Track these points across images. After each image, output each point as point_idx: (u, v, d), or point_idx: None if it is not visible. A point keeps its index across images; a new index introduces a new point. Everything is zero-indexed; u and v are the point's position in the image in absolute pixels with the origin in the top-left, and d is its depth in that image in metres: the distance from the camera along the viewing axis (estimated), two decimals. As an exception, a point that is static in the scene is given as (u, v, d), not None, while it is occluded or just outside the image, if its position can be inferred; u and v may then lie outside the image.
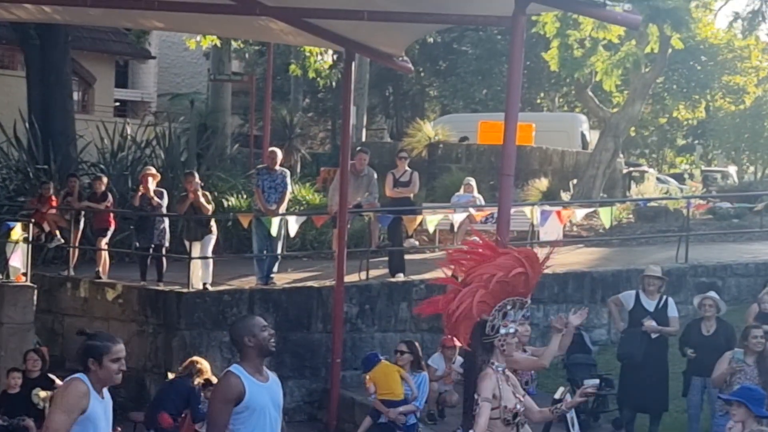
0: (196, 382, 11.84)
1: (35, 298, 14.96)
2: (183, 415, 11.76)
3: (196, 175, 15.87)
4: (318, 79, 24.60)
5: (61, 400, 6.16)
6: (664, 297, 12.20)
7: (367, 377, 12.14)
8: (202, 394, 11.69)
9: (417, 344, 12.46)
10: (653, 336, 11.96)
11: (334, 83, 27.86)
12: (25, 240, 15.53)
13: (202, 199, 15.18)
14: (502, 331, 7.14)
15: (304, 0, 11.70)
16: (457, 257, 7.72)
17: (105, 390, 6.36)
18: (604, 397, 13.06)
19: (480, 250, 7.56)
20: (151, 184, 15.79)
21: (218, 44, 24.05)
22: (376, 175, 16.48)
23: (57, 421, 6.06)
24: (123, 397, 13.87)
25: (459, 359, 12.92)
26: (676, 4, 20.88)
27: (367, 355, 12.94)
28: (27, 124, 21.58)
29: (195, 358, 12.39)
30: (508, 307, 7.18)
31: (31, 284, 15.15)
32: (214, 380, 11.81)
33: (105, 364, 6.19)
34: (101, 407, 6.23)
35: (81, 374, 6.22)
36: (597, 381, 13.00)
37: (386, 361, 12.20)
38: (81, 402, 6.09)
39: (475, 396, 7.04)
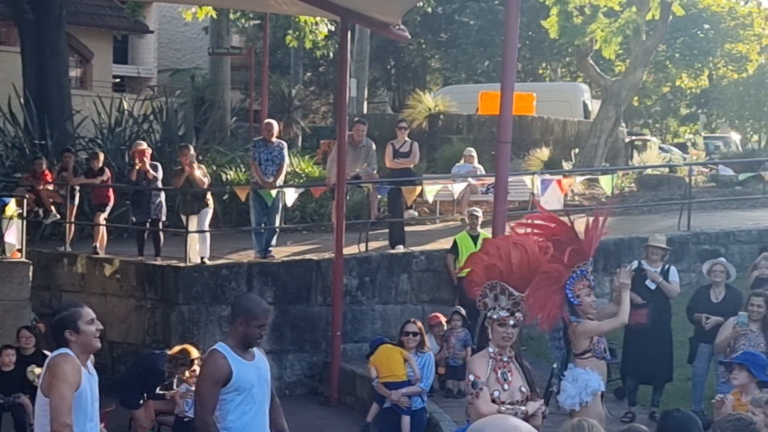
0: (187, 374, 10.96)
1: (31, 274, 14.85)
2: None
3: (191, 148, 15.71)
4: (315, 50, 24.40)
5: (62, 374, 5.89)
6: (667, 265, 12.06)
7: (370, 361, 11.67)
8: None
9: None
10: (653, 287, 11.75)
11: (332, 54, 27.61)
12: (20, 216, 15.39)
13: (197, 173, 15.01)
14: (490, 313, 6.90)
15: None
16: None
17: (90, 365, 6.20)
18: (607, 366, 12.91)
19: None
20: (146, 158, 15.64)
21: (214, 16, 23.82)
22: (374, 147, 16.32)
23: (65, 395, 5.82)
24: (121, 373, 13.80)
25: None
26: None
27: (371, 340, 12.60)
28: (22, 100, 21.40)
29: (188, 347, 11.45)
30: (497, 291, 6.88)
31: (27, 260, 15.03)
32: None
33: (82, 329, 6.02)
34: (88, 383, 6.05)
35: (64, 349, 6.02)
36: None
37: (389, 344, 11.67)
38: (77, 376, 5.92)
39: (469, 377, 6.81)
